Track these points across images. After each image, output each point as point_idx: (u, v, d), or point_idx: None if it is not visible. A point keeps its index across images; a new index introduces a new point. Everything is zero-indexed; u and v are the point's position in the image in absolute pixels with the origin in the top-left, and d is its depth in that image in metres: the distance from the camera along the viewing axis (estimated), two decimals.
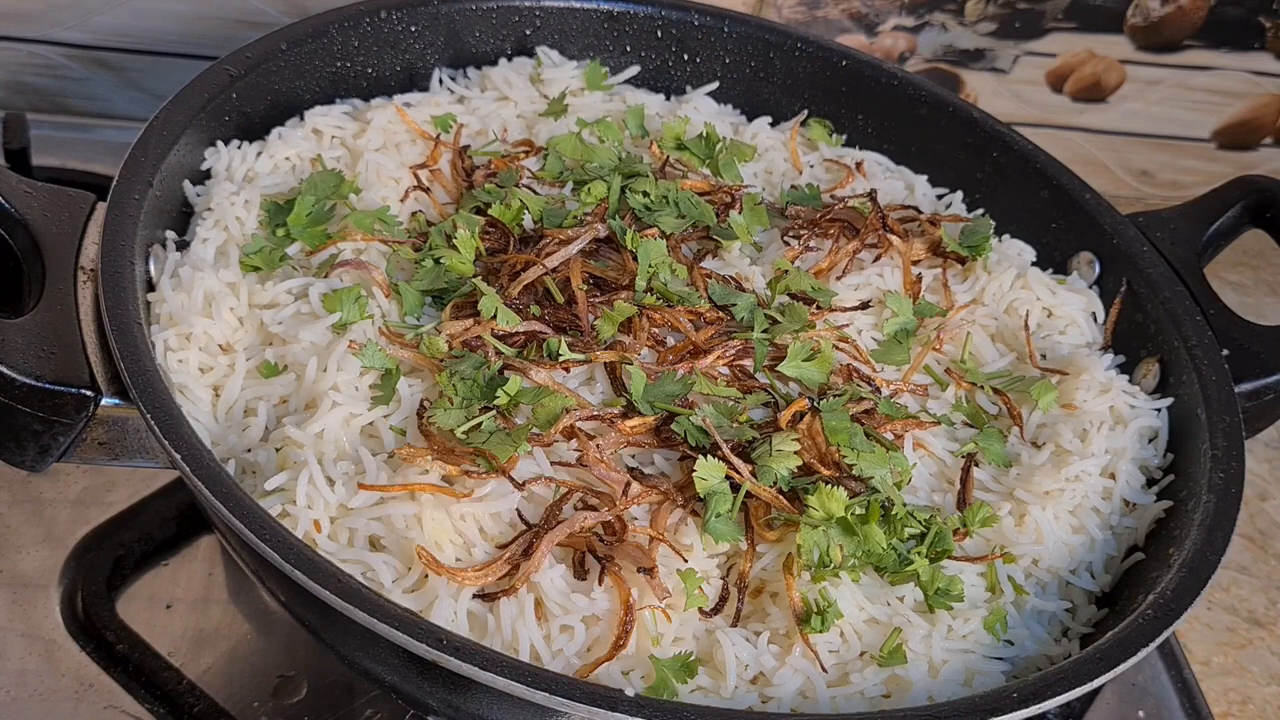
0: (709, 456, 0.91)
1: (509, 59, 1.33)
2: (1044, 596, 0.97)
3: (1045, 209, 1.25)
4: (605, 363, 0.98)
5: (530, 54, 1.33)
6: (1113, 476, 1.04)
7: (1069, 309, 1.17)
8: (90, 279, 0.95)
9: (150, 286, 1.02)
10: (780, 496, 0.90)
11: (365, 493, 0.88)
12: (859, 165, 1.29)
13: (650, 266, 1.04)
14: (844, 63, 1.34)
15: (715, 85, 1.36)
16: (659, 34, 1.35)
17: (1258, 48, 1.76)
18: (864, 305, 1.11)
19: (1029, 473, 1.01)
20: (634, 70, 1.36)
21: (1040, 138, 1.30)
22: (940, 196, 1.32)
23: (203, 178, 1.13)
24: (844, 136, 1.35)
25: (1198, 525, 0.95)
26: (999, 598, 0.95)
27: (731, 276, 1.09)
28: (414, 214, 1.13)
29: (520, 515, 0.89)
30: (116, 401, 0.91)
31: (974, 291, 1.16)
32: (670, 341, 1.03)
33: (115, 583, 1.13)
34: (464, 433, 0.90)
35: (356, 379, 0.95)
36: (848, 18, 1.68)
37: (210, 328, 0.99)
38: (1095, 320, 1.19)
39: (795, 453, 0.92)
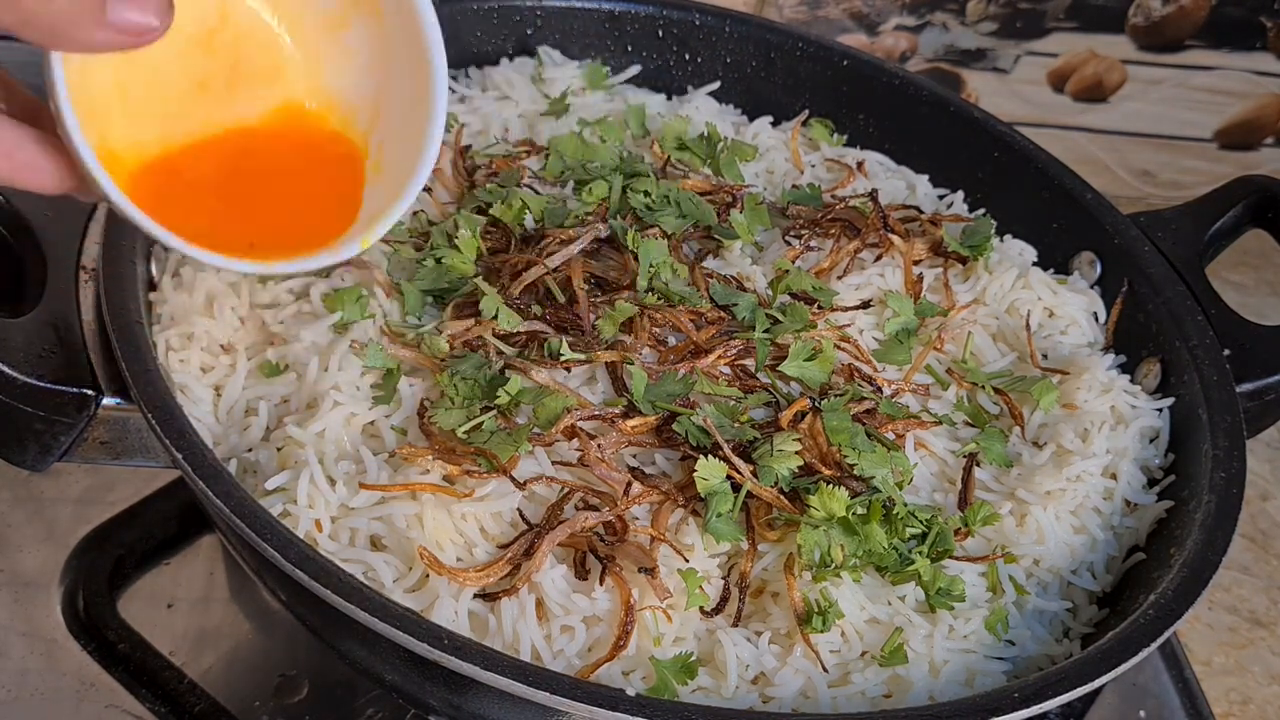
0: (710, 456, 0.91)
1: (510, 59, 1.33)
2: (1045, 596, 0.97)
3: (1046, 209, 1.25)
4: (606, 362, 0.98)
5: (532, 54, 1.33)
6: (1114, 476, 1.04)
7: (1070, 309, 1.17)
8: (92, 278, 0.95)
9: (152, 286, 1.02)
10: (781, 496, 0.90)
11: (366, 492, 0.88)
12: (860, 165, 1.29)
13: (651, 266, 1.04)
14: (845, 62, 1.34)
15: (716, 85, 1.36)
16: (660, 34, 1.35)
17: (1259, 48, 1.76)
18: (865, 305, 1.11)
19: (1030, 473, 1.01)
20: (635, 70, 1.36)
21: (1041, 138, 1.30)
22: (941, 196, 1.32)
23: None
24: (845, 136, 1.35)
25: (1199, 525, 0.95)
26: (1000, 598, 0.95)
27: (733, 276, 1.09)
28: (415, 213, 1.13)
29: (521, 515, 0.89)
30: (118, 401, 0.91)
31: (975, 291, 1.16)
32: (671, 341, 1.03)
33: (116, 582, 1.13)
34: (465, 432, 0.90)
35: (357, 379, 0.95)
36: (849, 17, 1.68)
37: (211, 327, 0.99)
38: (1096, 320, 1.19)
39: (796, 452, 0.92)
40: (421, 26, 0.84)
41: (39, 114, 0.75)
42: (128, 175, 0.79)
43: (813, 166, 1.30)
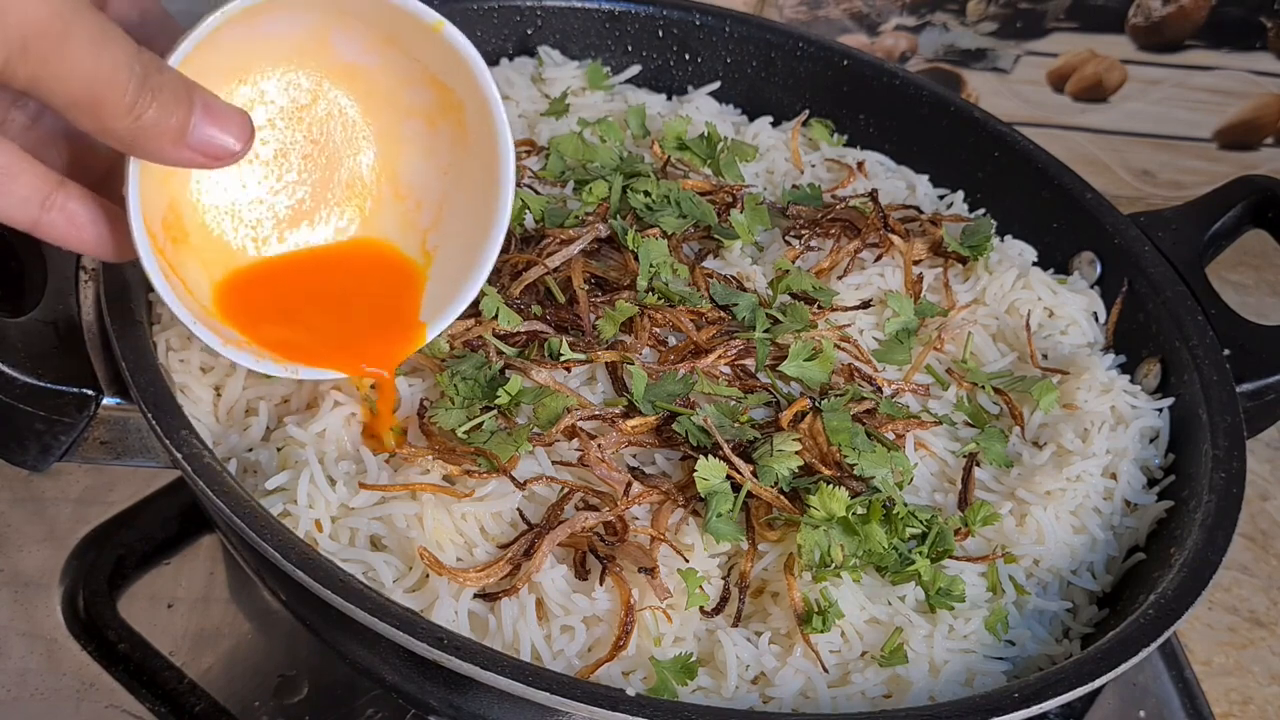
0: (710, 456, 0.91)
1: (510, 59, 1.33)
2: (1045, 596, 0.97)
3: (1046, 209, 1.25)
4: (606, 362, 0.98)
5: (532, 53, 1.33)
6: (1114, 476, 1.04)
7: (1070, 309, 1.17)
8: (92, 278, 0.95)
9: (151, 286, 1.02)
10: (781, 496, 0.90)
11: (366, 492, 0.88)
12: (860, 165, 1.29)
13: (651, 266, 1.04)
14: (845, 63, 1.34)
15: (717, 85, 1.36)
16: (660, 34, 1.35)
17: (1259, 47, 1.76)
18: (865, 305, 1.11)
19: (1030, 473, 1.01)
20: (635, 70, 1.36)
21: (1041, 137, 1.30)
22: (941, 196, 1.32)
23: None
24: (845, 136, 1.35)
25: (1199, 525, 0.95)
26: (1000, 598, 0.95)
27: (733, 276, 1.09)
28: None
29: (521, 515, 0.89)
30: (118, 401, 0.91)
31: (975, 291, 1.16)
32: (672, 341, 1.03)
33: (116, 582, 1.13)
34: (465, 432, 0.90)
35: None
36: (849, 17, 1.68)
37: None
38: (1096, 320, 1.19)
39: (796, 452, 0.92)
40: (499, 151, 0.89)
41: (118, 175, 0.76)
42: (211, 284, 0.86)
43: (813, 166, 1.30)
